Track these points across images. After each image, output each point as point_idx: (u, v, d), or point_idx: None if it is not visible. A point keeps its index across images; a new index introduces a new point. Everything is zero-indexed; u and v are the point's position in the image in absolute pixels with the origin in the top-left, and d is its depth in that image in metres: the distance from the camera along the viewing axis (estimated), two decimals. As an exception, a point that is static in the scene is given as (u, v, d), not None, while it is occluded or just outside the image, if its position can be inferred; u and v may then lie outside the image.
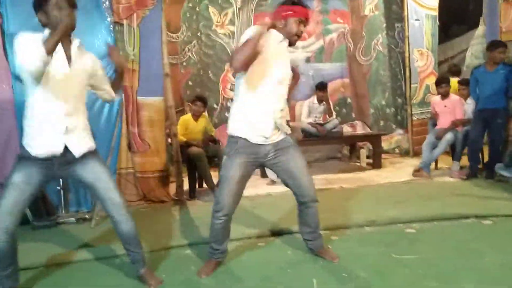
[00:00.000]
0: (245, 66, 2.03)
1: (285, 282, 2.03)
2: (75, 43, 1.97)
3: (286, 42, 2.18)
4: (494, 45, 4.23)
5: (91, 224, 3.22)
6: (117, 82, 2.23)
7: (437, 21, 6.24)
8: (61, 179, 3.50)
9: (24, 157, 1.92)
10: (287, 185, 2.25)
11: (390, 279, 1.99)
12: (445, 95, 4.89)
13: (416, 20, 6.13)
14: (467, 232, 2.69)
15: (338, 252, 2.41)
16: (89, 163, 2.00)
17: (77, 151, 1.95)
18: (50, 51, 1.76)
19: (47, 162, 1.92)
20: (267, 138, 2.12)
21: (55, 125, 1.90)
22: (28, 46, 1.77)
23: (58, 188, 3.55)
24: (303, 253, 2.41)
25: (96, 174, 2.01)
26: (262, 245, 2.61)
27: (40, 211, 3.40)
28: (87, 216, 3.40)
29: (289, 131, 2.21)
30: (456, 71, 6.09)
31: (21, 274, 2.32)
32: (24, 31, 3.53)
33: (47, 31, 1.90)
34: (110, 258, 2.49)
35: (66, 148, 1.93)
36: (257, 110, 2.11)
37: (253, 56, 2.01)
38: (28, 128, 1.92)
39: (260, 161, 2.18)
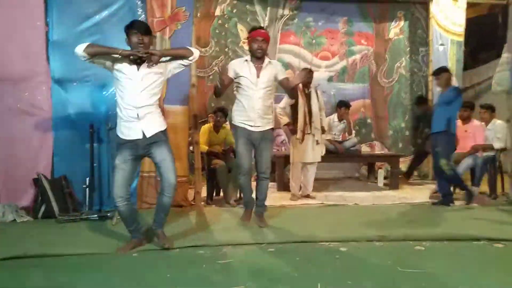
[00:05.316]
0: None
1: (291, 283, 2.11)
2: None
3: (248, 61, 3.24)
4: None
5: (112, 222, 3.40)
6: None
7: (463, 47, 6.26)
8: (87, 180, 3.74)
9: (119, 143, 2.63)
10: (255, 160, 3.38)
11: (393, 290, 2.04)
12: (467, 120, 4.90)
13: (441, 45, 6.19)
14: (476, 253, 2.70)
15: (346, 262, 2.48)
16: (161, 146, 2.64)
17: (148, 133, 2.61)
18: (90, 53, 2.52)
19: (133, 143, 2.60)
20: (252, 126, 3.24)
21: (130, 115, 2.59)
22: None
23: (84, 186, 3.78)
24: (311, 260, 2.49)
25: (162, 156, 2.63)
26: (272, 251, 2.70)
27: (66, 207, 3.62)
28: (108, 214, 3.58)
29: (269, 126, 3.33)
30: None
31: (45, 261, 2.50)
32: (67, 39, 3.83)
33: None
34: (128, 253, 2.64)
35: (143, 133, 2.59)
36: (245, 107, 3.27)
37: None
38: (118, 120, 2.64)
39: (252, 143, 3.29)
